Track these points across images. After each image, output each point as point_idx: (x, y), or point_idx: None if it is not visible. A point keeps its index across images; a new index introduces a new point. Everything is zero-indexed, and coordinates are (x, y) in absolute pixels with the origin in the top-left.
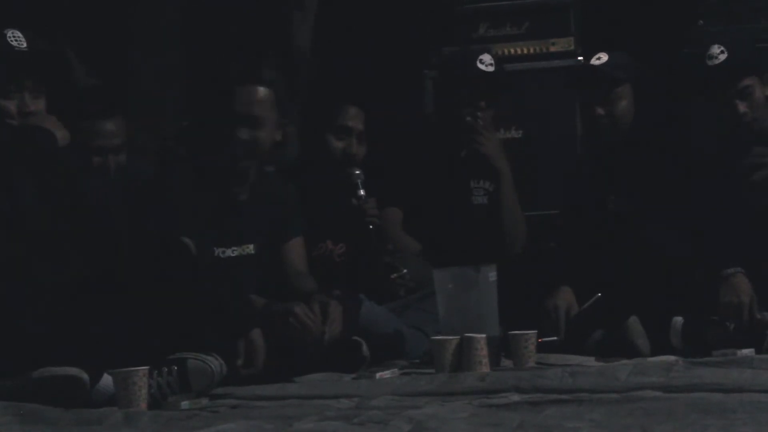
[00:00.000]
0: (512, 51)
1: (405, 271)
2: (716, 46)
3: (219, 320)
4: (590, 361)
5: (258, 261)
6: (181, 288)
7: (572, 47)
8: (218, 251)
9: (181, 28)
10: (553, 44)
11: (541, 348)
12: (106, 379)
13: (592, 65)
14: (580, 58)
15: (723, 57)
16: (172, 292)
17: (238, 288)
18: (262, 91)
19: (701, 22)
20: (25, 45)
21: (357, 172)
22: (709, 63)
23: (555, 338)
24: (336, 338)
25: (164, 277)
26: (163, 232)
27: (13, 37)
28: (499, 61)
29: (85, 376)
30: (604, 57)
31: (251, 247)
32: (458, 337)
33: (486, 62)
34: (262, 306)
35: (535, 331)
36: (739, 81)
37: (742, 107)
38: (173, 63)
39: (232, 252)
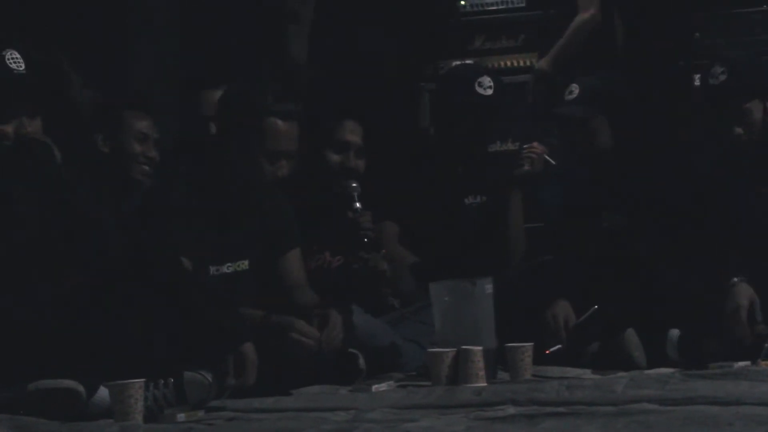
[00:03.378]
0: (508, 63)
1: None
2: (718, 66)
3: (209, 335)
4: (587, 373)
5: (253, 277)
6: (173, 304)
7: None
8: (213, 269)
9: (177, 41)
10: None
11: (548, 359)
12: (103, 392)
13: (564, 104)
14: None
15: (723, 78)
16: (164, 308)
17: (231, 304)
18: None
19: (697, 34)
20: (23, 67)
21: (354, 185)
22: (711, 82)
23: (560, 346)
24: (336, 348)
25: (157, 293)
26: (160, 249)
27: (12, 59)
28: (497, 78)
29: (81, 388)
30: (575, 90)
31: (246, 263)
32: (455, 349)
33: (485, 85)
34: (260, 318)
35: (532, 344)
36: (738, 103)
37: (738, 129)
38: (169, 73)
39: (227, 269)
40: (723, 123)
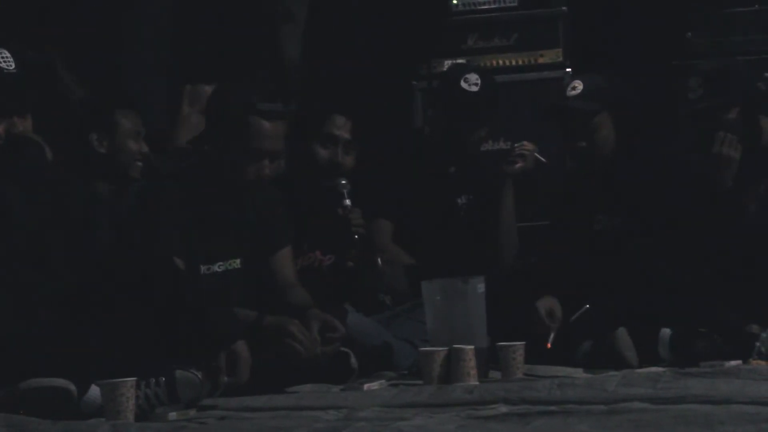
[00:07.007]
0: (501, 62)
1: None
2: (695, 79)
3: (201, 334)
4: (578, 372)
5: (244, 275)
6: (165, 303)
7: (561, 59)
8: (204, 268)
9: (171, 40)
10: (542, 56)
11: (541, 358)
12: (94, 390)
13: (567, 99)
14: (568, 69)
15: (701, 91)
16: (156, 307)
17: (223, 302)
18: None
19: (690, 34)
20: (13, 66)
21: (343, 182)
22: (689, 96)
23: (552, 334)
24: (328, 356)
25: (149, 292)
26: (151, 248)
27: (2, 58)
28: (487, 77)
29: (72, 387)
30: (579, 86)
31: (237, 261)
32: (446, 348)
33: (471, 81)
34: (254, 319)
35: (523, 343)
36: (719, 114)
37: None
38: (161, 75)
39: (218, 267)
40: (706, 133)
